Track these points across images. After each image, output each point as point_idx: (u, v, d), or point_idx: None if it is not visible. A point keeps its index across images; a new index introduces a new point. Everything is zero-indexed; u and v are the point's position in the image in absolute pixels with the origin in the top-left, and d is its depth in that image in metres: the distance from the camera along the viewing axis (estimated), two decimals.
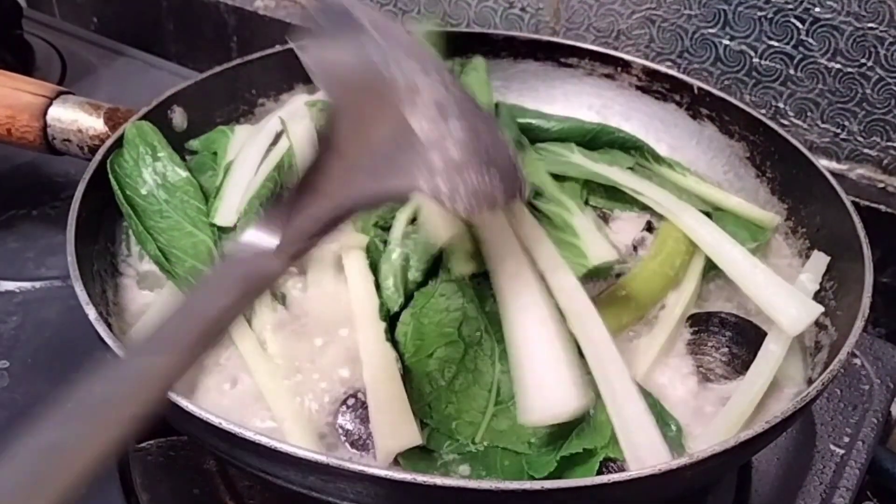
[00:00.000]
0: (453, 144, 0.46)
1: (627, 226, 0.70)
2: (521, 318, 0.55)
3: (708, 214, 0.70)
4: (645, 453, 0.52)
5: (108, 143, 0.69)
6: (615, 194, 0.72)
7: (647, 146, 0.79)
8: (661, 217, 0.70)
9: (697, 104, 0.82)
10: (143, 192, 0.68)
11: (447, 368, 0.56)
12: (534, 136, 0.77)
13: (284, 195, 0.45)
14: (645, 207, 0.71)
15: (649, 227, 0.70)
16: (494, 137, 0.51)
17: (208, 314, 0.39)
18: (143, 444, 0.68)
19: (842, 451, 0.72)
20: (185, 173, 0.70)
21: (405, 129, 0.47)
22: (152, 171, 0.69)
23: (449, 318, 0.57)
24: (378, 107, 0.48)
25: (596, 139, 0.78)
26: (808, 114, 0.91)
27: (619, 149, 0.78)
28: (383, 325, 0.57)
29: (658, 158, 0.78)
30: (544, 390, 0.52)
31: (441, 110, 0.48)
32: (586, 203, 0.70)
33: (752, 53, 0.91)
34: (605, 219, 0.71)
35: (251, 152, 0.72)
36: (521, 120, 0.78)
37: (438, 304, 0.57)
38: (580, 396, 0.52)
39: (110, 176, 0.67)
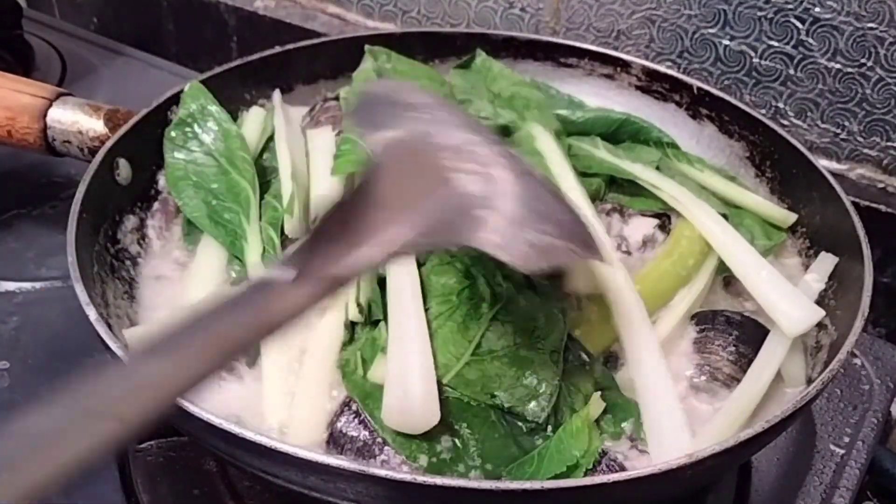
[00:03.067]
0: (505, 201, 0.46)
1: (642, 223, 0.71)
2: (401, 319, 0.56)
3: (724, 216, 0.70)
4: (670, 441, 0.54)
5: (109, 144, 0.69)
6: (635, 191, 0.73)
7: (669, 138, 0.79)
8: (678, 215, 0.70)
9: (697, 104, 0.82)
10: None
11: (438, 319, 0.57)
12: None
13: (305, 238, 0.44)
14: (663, 207, 0.71)
15: (662, 226, 0.70)
16: (550, 195, 0.51)
17: (221, 330, 0.38)
18: (143, 445, 0.68)
19: (842, 451, 0.72)
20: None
21: (454, 188, 0.46)
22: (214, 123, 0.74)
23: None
24: (425, 168, 0.48)
25: (621, 129, 0.80)
26: (808, 114, 0.91)
27: (643, 142, 0.79)
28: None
29: (678, 154, 0.79)
30: (406, 401, 0.53)
31: (490, 170, 0.47)
32: (602, 198, 0.72)
33: (752, 53, 0.91)
34: (621, 212, 0.71)
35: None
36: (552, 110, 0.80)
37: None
38: (431, 415, 0.52)
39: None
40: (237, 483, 0.66)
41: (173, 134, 0.73)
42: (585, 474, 0.52)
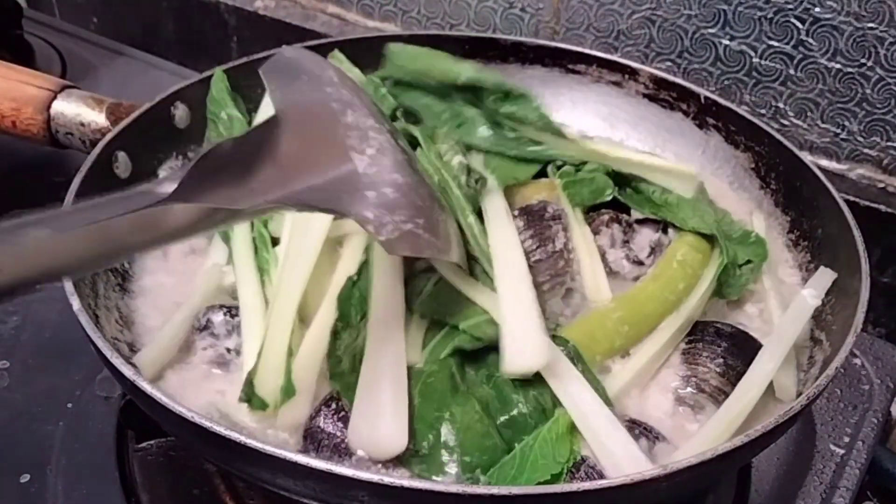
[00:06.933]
0: (389, 188, 0.49)
1: (645, 230, 0.69)
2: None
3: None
4: (623, 462, 0.52)
5: (108, 137, 0.69)
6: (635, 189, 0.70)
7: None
8: (676, 228, 0.68)
9: (704, 113, 0.81)
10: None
11: None
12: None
13: (192, 162, 0.46)
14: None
15: (665, 229, 0.69)
16: (428, 192, 0.54)
17: (106, 225, 0.41)
18: (143, 444, 0.68)
19: (842, 451, 0.72)
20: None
21: (347, 163, 0.49)
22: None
23: None
24: (327, 140, 0.51)
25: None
26: (808, 114, 0.91)
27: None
28: None
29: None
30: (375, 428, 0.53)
31: (385, 159, 0.51)
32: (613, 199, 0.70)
33: (752, 53, 0.91)
34: (619, 221, 0.69)
35: None
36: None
37: None
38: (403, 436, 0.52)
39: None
40: (237, 483, 0.66)
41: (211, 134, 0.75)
42: (577, 471, 0.52)
